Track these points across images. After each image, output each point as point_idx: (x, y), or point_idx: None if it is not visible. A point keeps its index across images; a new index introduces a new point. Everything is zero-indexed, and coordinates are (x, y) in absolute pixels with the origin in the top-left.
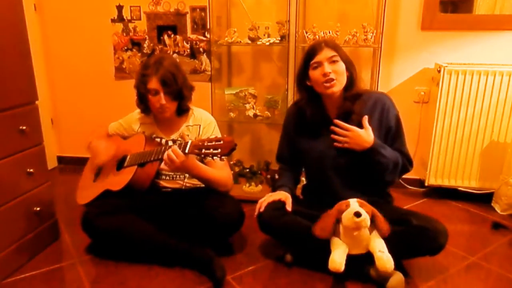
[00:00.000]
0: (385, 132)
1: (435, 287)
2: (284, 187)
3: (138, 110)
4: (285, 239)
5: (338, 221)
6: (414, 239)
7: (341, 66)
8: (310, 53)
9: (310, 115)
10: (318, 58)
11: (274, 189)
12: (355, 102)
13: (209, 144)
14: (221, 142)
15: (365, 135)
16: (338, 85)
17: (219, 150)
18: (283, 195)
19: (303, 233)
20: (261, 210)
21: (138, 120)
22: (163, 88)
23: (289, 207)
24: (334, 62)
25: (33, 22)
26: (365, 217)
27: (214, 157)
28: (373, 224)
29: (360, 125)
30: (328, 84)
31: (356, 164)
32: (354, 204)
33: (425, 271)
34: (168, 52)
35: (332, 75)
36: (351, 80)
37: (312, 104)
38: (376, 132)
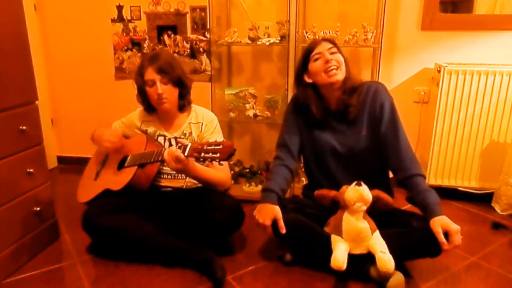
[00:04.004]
0: (379, 112)
1: (435, 287)
2: (269, 194)
3: (140, 108)
4: (286, 238)
5: (342, 207)
6: (415, 241)
7: (340, 56)
8: (309, 48)
9: (314, 110)
10: (317, 49)
11: (263, 189)
12: (353, 95)
13: (208, 148)
14: (220, 146)
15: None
16: (341, 74)
17: (218, 155)
18: (271, 213)
19: (304, 232)
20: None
21: (141, 118)
22: (160, 77)
23: (282, 230)
24: (333, 53)
25: (33, 22)
26: (366, 188)
27: (213, 161)
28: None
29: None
30: (331, 72)
31: (358, 158)
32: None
33: (425, 271)
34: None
35: (334, 62)
36: (349, 75)
37: (314, 100)
38: (368, 114)
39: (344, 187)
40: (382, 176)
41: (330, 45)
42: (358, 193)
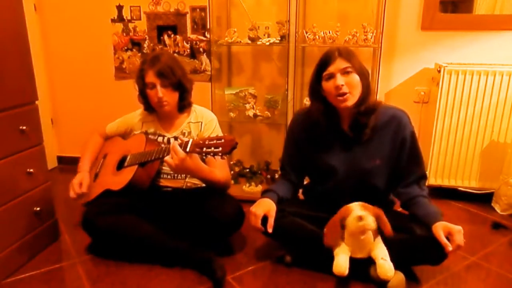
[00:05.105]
0: (399, 146)
1: (435, 287)
2: (270, 193)
3: (140, 109)
4: (285, 241)
5: (343, 226)
6: (417, 249)
7: (355, 78)
8: (323, 63)
9: (325, 127)
10: (330, 69)
11: (263, 191)
12: (370, 117)
13: (210, 142)
14: (222, 140)
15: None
16: (352, 99)
17: (220, 149)
18: (266, 207)
19: (302, 235)
20: (262, 229)
21: (140, 118)
22: (160, 81)
23: (269, 228)
24: (347, 73)
25: (33, 22)
26: (368, 221)
27: (215, 156)
28: (377, 229)
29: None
30: (341, 98)
31: (366, 180)
32: (356, 208)
33: (425, 271)
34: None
35: (345, 88)
36: (366, 93)
37: (327, 115)
38: (387, 146)
39: (346, 210)
40: (383, 192)
41: (346, 64)
42: (360, 229)
